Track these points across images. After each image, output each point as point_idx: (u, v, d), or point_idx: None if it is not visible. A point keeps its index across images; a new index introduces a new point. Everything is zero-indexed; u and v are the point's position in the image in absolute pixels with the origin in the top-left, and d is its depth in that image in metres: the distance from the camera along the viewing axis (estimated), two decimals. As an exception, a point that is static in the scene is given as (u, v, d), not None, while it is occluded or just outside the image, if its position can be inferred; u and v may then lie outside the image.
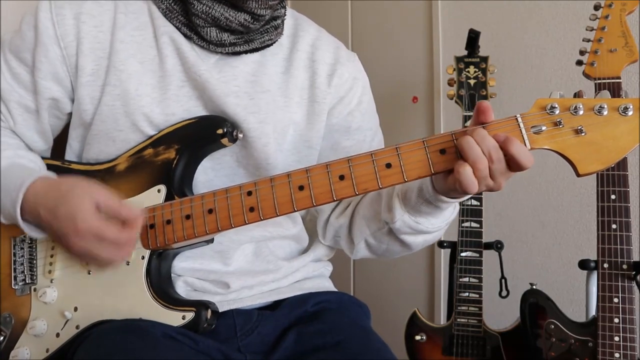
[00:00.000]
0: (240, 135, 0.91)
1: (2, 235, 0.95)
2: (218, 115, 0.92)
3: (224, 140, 0.89)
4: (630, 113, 0.73)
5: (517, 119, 0.76)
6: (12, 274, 0.93)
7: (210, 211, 0.84)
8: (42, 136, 0.97)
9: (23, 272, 0.92)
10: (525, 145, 0.75)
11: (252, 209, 0.83)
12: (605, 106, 0.74)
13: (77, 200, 0.80)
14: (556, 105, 0.75)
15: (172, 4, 0.92)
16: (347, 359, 0.86)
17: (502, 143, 0.73)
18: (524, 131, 0.75)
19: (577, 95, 0.77)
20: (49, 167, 0.95)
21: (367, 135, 1.04)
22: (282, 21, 0.99)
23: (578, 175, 0.75)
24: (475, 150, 0.73)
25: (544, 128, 0.75)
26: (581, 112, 0.75)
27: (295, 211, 0.82)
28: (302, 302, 0.97)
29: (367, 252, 1.01)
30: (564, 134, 0.75)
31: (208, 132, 0.89)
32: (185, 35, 0.92)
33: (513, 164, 0.74)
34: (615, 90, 1.31)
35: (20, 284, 0.92)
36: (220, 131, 0.89)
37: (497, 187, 0.77)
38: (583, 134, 0.74)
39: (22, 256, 0.93)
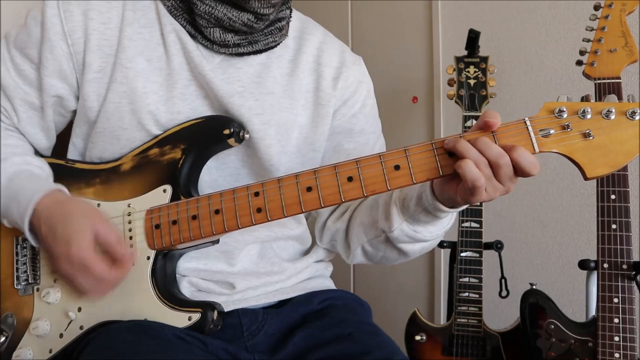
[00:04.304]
0: (247, 136, 0.90)
1: (4, 234, 0.94)
2: (225, 115, 0.91)
3: (231, 141, 0.89)
4: (637, 117, 0.74)
5: (525, 122, 0.76)
6: (15, 274, 0.92)
7: (217, 212, 0.84)
8: (46, 133, 0.96)
9: (26, 271, 0.92)
10: (533, 148, 0.75)
11: (259, 210, 0.82)
12: (613, 110, 0.74)
13: (77, 226, 0.80)
14: (564, 109, 0.75)
15: (177, 2, 0.91)
16: (362, 350, 0.85)
17: (508, 150, 0.74)
18: (532, 134, 0.75)
19: (585, 99, 0.77)
20: (52, 166, 0.94)
21: (369, 139, 1.04)
22: (287, 23, 0.98)
23: (586, 178, 0.75)
24: (473, 151, 0.74)
25: (552, 131, 0.75)
26: (589, 116, 0.75)
27: (303, 212, 0.82)
28: (307, 301, 0.97)
29: (364, 258, 1.01)
30: (572, 138, 0.75)
31: (214, 132, 0.89)
32: (190, 34, 0.91)
33: (518, 170, 0.74)
34: (615, 90, 1.32)
35: (23, 283, 0.91)
36: (227, 131, 0.88)
37: (507, 190, 0.77)
38: (591, 138, 0.74)
39: (25, 255, 0.92)
